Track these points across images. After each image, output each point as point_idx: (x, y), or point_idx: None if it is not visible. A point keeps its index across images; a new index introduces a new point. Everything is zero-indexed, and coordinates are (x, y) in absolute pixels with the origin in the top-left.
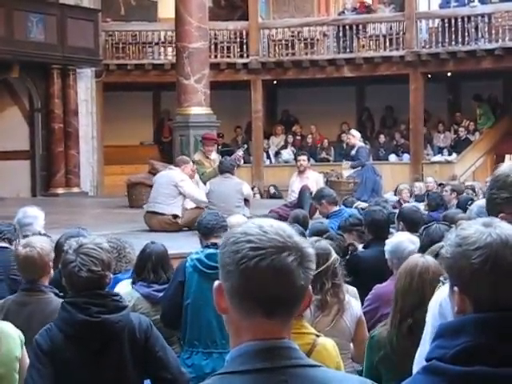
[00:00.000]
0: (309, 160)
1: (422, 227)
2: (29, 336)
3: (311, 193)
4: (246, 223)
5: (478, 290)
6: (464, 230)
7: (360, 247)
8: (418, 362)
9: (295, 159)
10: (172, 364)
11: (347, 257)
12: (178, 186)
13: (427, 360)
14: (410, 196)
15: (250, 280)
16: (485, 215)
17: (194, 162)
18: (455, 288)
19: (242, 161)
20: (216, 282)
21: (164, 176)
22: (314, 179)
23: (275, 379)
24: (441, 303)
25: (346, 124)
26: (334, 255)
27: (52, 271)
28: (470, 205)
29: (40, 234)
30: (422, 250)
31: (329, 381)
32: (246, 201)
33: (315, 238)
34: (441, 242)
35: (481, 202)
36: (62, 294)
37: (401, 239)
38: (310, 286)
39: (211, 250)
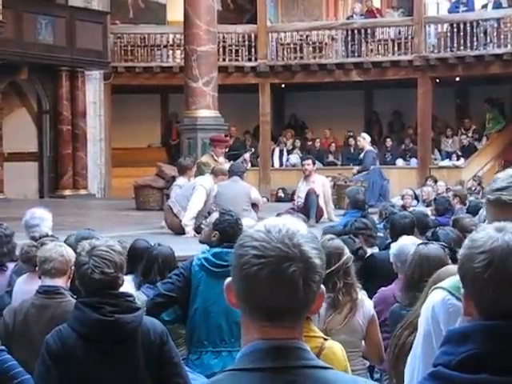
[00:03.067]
0: (314, 164)
1: (431, 232)
2: None
3: (317, 196)
4: (260, 223)
5: (480, 293)
6: (476, 234)
7: (369, 250)
8: (409, 368)
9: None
10: (185, 373)
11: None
12: (194, 189)
13: (434, 366)
14: (418, 201)
15: (250, 287)
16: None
17: (200, 164)
18: (462, 290)
19: (249, 164)
20: (227, 279)
21: (194, 181)
22: (321, 183)
23: (283, 379)
24: (433, 307)
25: (350, 133)
26: (347, 254)
27: (70, 278)
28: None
29: (47, 235)
30: None
31: (336, 383)
32: (255, 205)
33: (329, 236)
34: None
35: None
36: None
37: (405, 242)
38: (322, 289)
39: (218, 249)
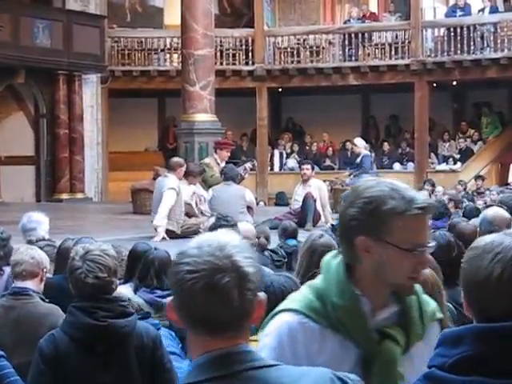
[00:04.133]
0: (313, 169)
1: None
2: (17, 339)
3: (315, 200)
4: (193, 240)
5: (466, 291)
6: (478, 240)
7: None
8: None
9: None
10: (177, 380)
11: None
12: (163, 194)
13: (428, 367)
14: None
15: (187, 302)
16: (492, 224)
17: (203, 165)
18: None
19: (247, 174)
20: (169, 298)
21: (158, 184)
22: (317, 187)
23: None
24: (289, 330)
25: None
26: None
27: (43, 280)
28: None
29: (44, 239)
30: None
31: (284, 379)
32: (250, 208)
33: (319, 233)
34: (448, 247)
35: (491, 210)
36: (48, 299)
37: None
38: (261, 297)
39: None
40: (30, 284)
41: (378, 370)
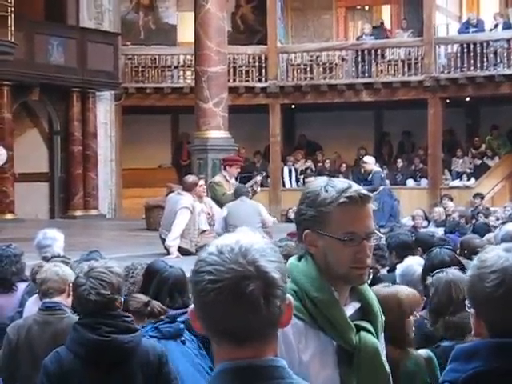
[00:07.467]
0: None
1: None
2: None
3: None
4: (213, 243)
5: (491, 313)
6: (485, 254)
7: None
8: None
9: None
10: None
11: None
12: (177, 213)
13: (441, 383)
14: (429, 221)
15: (211, 313)
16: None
17: (213, 183)
18: (471, 310)
19: (259, 188)
20: (191, 306)
21: (170, 201)
22: None
23: None
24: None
25: (363, 149)
26: None
27: (70, 295)
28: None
29: (59, 256)
30: (424, 273)
31: None
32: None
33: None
34: (441, 265)
35: (509, 226)
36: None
37: (410, 263)
38: (289, 299)
39: None
40: (58, 300)
41: (361, 361)
